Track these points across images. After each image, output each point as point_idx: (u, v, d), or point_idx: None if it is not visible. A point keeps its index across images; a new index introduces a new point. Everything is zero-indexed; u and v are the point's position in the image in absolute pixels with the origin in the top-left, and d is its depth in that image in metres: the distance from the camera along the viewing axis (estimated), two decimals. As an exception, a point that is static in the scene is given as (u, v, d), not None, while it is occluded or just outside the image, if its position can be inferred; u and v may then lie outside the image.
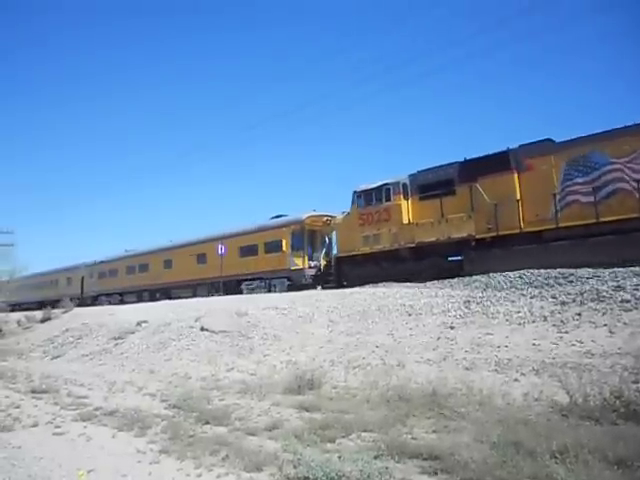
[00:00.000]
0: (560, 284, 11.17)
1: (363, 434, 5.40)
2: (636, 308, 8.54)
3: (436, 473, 4.21)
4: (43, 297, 39.19)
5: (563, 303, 9.58)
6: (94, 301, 34.57)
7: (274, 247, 22.49)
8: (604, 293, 9.45)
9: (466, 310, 10.55)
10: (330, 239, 22.65)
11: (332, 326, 11.65)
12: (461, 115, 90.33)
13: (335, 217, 21.95)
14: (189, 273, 26.89)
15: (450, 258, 16.52)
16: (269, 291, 21.60)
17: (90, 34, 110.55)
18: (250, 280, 23.32)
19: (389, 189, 17.82)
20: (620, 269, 11.09)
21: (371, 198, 18.36)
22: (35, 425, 6.93)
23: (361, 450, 4.79)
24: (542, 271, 12.58)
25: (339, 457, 4.60)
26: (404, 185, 17.60)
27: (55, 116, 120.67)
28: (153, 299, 26.97)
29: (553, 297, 10.07)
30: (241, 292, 22.66)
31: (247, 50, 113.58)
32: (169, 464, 4.97)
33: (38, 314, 23.64)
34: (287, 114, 78.63)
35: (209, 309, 15.11)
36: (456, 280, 14.35)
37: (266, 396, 7.58)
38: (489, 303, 10.63)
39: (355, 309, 12.48)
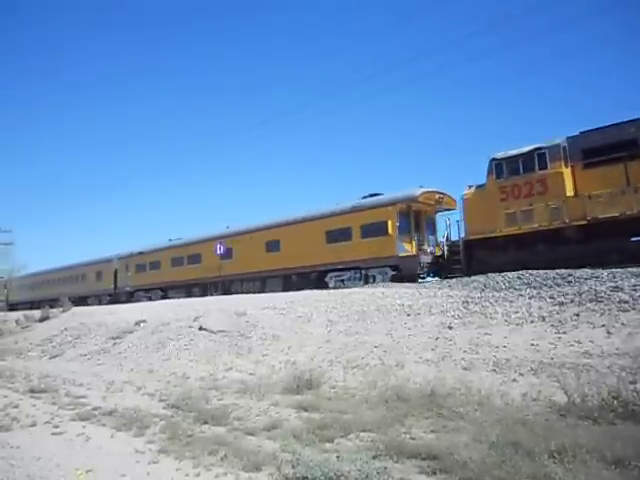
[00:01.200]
0: (558, 284, 11.19)
1: (362, 434, 5.40)
2: (634, 308, 8.55)
3: (435, 473, 4.22)
4: (68, 294, 36.00)
5: (561, 304, 9.59)
6: (130, 297, 31.61)
7: (375, 230, 18.95)
8: (602, 294, 9.46)
9: (464, 310, 10.56)
10: (433, 220, 20.45)
11: (331, 326, 11.64)
12: (461, 115, 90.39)
13: (446, 194, 19.45)
14: (256, 263, 23.37)
15: (634, 238, 13.53)
16: (366, 283, 18.48)
17: (89, 39, 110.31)
18: (340, 270, 20.02)
19: (544, 154, 14.72)
20: (618, 270, 11.13)
21: (517, 166, 15.19)
22: (33, 425, 6.92)
23: (360, 450, 4.79)
24: (540, 272, 12.61)
25: (338, 457, 4.60)
26: (564, 149, 14.59)
27: (56, 119, 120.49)
28: (205, 294, 24.55)
29: (551, 297, 10.08)
30: (326, 285, 19.76)
31: (247, 50, 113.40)
32: (168, 464, 4.97)
33: (37, 313, 23.59)
34: (287, 114, 78.69)
35: (208, 309, 15.10)
36: (454, 280, 14.38)
37: (265, 396, 7.58)
38: (487, 303, 10.64)
39: (354, 309, 12.48)
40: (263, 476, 4.46)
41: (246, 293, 20.76)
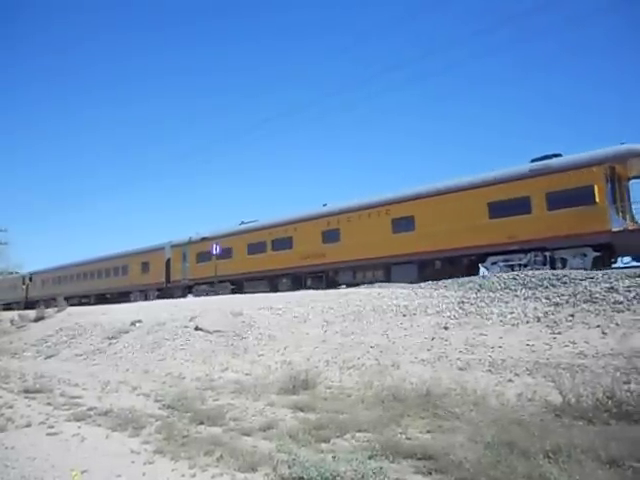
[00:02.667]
0: (553, 285, 11.24)
1: (357, 434, 5.41)
2: (628, 309, 8.61)
3: (430, 473, 4.23)
4: (105, 289, 33.77)
5: (556, 304, 9.64)
6: (186, 292, 27.20)
7: (571, 198, 14.61)
8: (597, 294, 9.52)
9: (460, 311, 10.59)
10: (627, 187, 15.88)
11: (327, 326, 11.65)
12: (463, 116, 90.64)
13: None
14: (377, 247, 19.09)
15: None
16: (552, 268, 14.32)
17: (92, 40, 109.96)
18: (508, 253, 15.83)
19: None
20: (612, 271, 11.18)
21: None
22: (28, 425, 6.89)
23: (355, 450, 4.81)
24: (536, 272, 12.67)
25: (333, 457, 4.61)
26: None
27: (59, 120, 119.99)
28: (298, 287, 20.96)
29: (547, 298, 10.13)
30: (476, 272, 16.33)
31: (251, 50, 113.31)
32: (163, 464, 4.96)
33: (32, 313, 23.48)
34: (291, 113, 78.69)
35: (204, 309, 15.08)
36: (450, 281, 14.40)
37: (261, 396, 7.58)
38: (483, 304, 10.69)
39: (350, 309, 12.49)
40: (259, 476, 4.46)
41: (360, 284, 17.87)
